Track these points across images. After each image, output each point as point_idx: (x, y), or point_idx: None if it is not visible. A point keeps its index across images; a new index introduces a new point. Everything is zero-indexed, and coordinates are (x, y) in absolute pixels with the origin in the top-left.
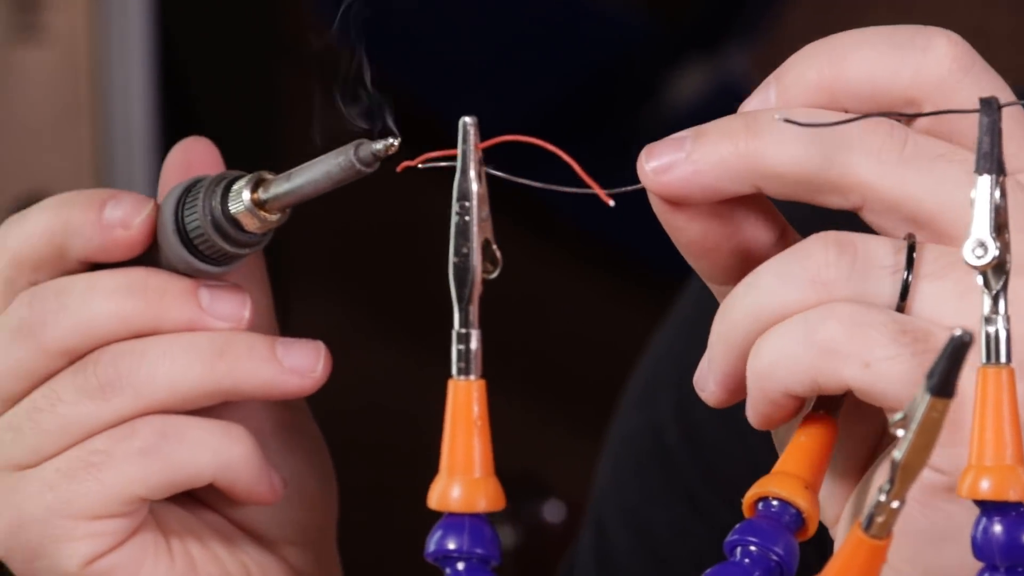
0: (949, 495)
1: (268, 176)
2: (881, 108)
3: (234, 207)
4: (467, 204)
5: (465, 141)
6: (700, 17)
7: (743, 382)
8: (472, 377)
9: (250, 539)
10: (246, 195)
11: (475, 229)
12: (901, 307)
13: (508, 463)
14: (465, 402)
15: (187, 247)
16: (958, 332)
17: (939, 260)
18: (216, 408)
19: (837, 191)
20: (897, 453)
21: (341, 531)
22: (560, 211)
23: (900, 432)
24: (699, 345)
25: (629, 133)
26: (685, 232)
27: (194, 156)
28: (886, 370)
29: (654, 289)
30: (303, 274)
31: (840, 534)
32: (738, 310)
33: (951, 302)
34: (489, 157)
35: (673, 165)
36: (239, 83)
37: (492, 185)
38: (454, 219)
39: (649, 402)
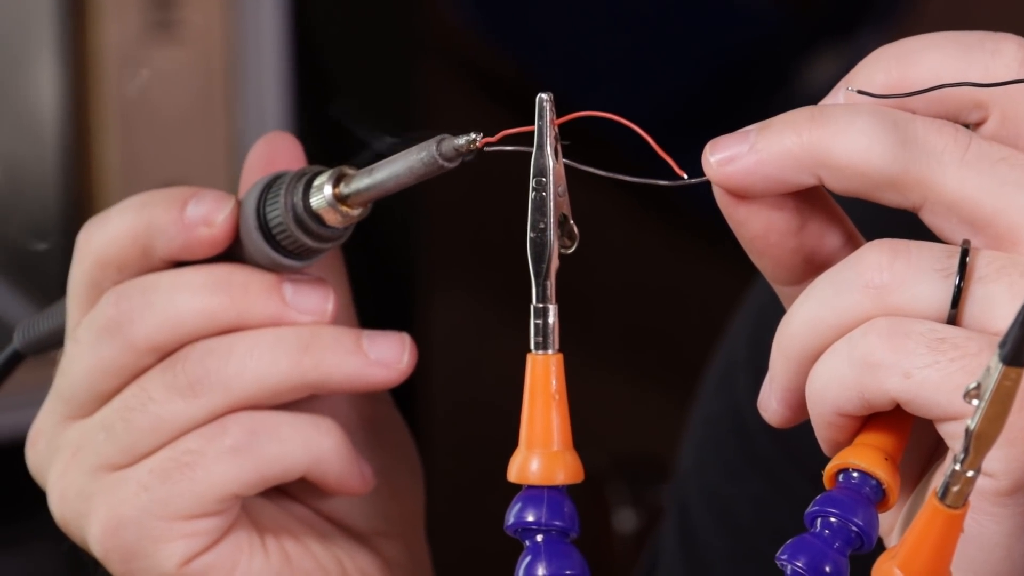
0: (999, 499)
1: (349, 171)
2: (948, 110)
3: (316, 202)
4: (543, 180)
5: (541, 117)
6: (834, 4)
7: (804, 400)
8: (550, 351)
9: (342, 532)
10: (328, 190)
11: (551, 204)
12: (953, 312)
13: (629, 447)
14: (543, 376)
15: (269, 242)
16: None
17: (992, 264)
18: (303, 402)
19: (897, 188)
20: (971, 422)
21: (473, 522)
22: (699, 204)
23: (974, 402)
24: (773, 327)
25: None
26: (747, 226)
27: (277, 152)
28: (926, 378)
29: None
30: (442, 266)
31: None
32: (795, 322)
33: (1004, 304)
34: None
35: (737, 156)
36: (375, 77)
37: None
38: (531, 195)
39: (728, 384)
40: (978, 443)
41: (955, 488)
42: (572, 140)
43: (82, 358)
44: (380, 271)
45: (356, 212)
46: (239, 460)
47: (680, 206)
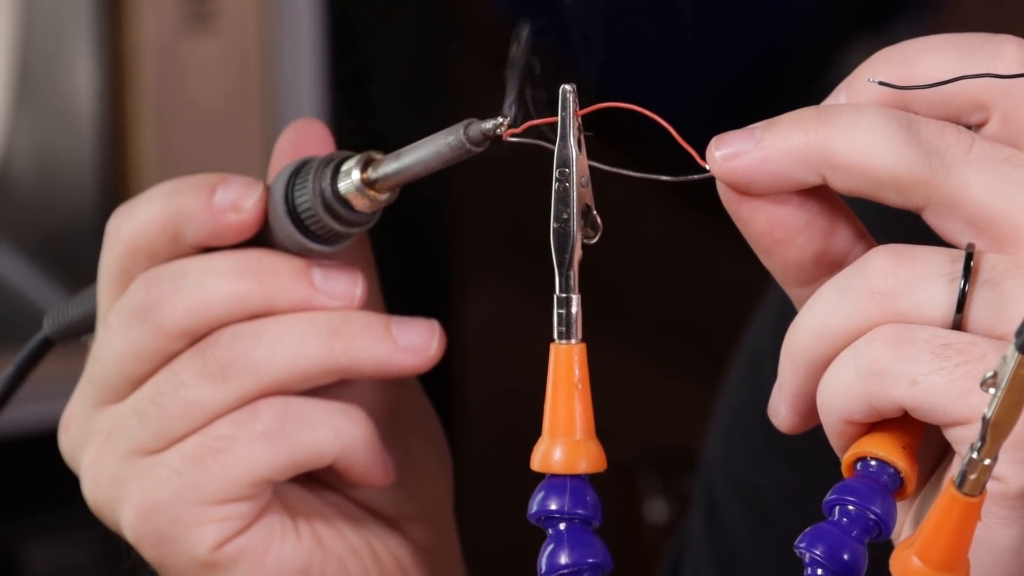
0: (1007, 502)
1: (377, 156)
2: (951, 112)
3: (344, 187)
4: (567, 171)
5: (564, 108)
6: None
7: (814, 406)
8: (573, 341)
9: (372, 517)
10: (356, 175)
11: (575, 195)
12: (958, 317)
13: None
14: (566, 365)
15: (297, 227)
16: None
17: (997, 267)
18: (331, 388)
19: (901, 188)
20: (987, 410)
21: (508, 511)
22: None
23: (991, 391)
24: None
25: None
26: (752, 223)
27: (305, 137)
28: (931, 384)
29: None
30: (477, 257)
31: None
32: (802, 329)
33: (1010, 306)
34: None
35: (742, 152)
36: (411, 68)
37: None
38: (555, 185)
39: (755, 372)
40: (995, 431)
41: (972, 476)
42: (602, 129)
43: (113, 343)
44: (416, 262)
45: (384, 197)
46: (271, 445)
47: (716, 197)
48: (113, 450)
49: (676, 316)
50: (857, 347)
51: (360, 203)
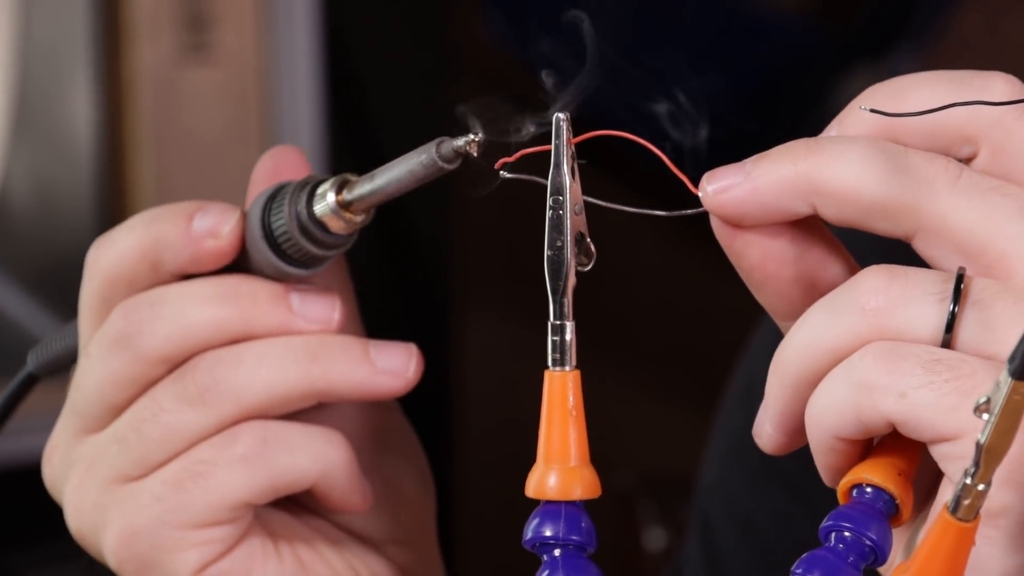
0: (989, 520)
1: (352, 178)
2: (939, 145)
3: (319, 209)
4: (560, 198)
5: (558, 136)
6: (868, 23)
7: (799, 425)
8: (567, 368)
9: (354, 539)
10: (331, 197)
11: (568, 223)
12: (947, 337)
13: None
14: (561, 392)
15: (275, 251)
16: None
17: (987, 289)
18: (312, 411)
19: (890, 215)
20: (981, 436)
21: (507, 539)
22: None
23: (984, 416)
24: None
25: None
26: (745, 257)
27: (282, 164)
28: (920, 398)
29: None
30: (477, 287)
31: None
32: (792, 346)
33: (998, 328)
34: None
35: (733, 185)
36: (409, 98)
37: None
38: (548, 213)
39: (750, 398)
40: (988, 457)
41: (966, 502)
42: (598, 158)
43: (94, 371)
44: (415, 292)
45: (359, 218)
46: (250, 469)
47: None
48: (95, 478)
49: (675, 345)
50: (849, 362)
51: (336, 225)
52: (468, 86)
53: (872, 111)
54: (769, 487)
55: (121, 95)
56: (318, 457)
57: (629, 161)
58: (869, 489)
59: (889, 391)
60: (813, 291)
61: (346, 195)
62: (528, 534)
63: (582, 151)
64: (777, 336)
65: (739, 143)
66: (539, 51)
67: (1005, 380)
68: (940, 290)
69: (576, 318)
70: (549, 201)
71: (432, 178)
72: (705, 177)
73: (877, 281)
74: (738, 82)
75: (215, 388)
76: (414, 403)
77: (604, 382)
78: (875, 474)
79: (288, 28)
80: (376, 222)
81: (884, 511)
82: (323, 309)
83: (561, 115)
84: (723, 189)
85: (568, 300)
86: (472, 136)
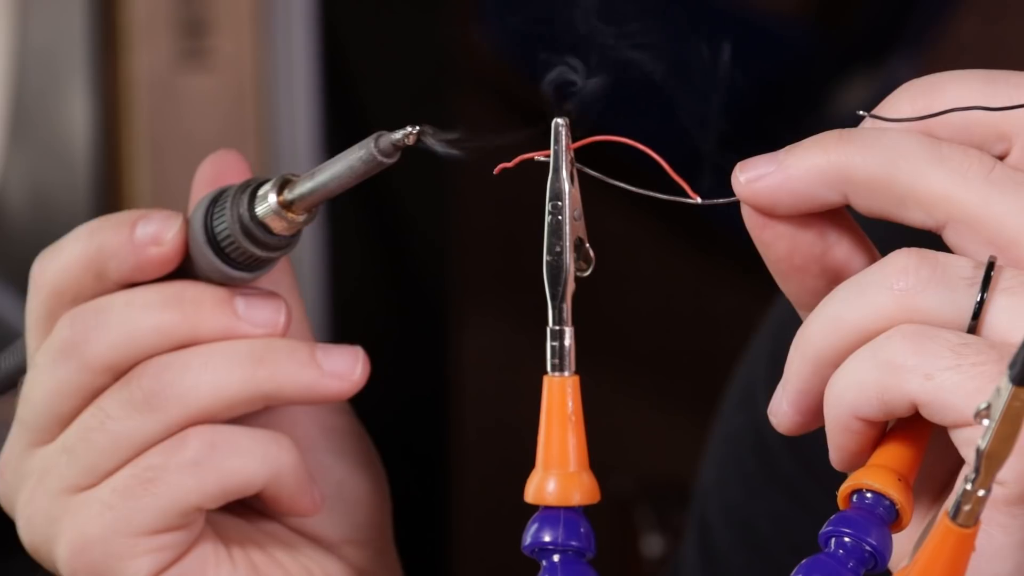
0: (1008, 508)
1: (293, 177)
2: (973, 141)
3: (261, 211)
4: (559, 204)
5: (557, 142)
6: (866, 29)
7: (817, 405)
8: (566, 373)
9: (309, 542)
10: (272, 197)
11: (567, 228)
12: (973, 324)
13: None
14: (560, 398)
15: (218, 255)
16: None
17: (1016, 279)
18: (264, 414)
19: (922, 204)
20: (981, 442)
21: (503, 545)
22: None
23: (985, 422)
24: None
25: None
26: (774, 248)
27: (224, 168)
28: (947, 380)
29: None
30: (474, 292)
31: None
32: (816, 322)
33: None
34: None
35: (765, 174)
36: (406, 104)
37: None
38: (547, 218)
39: (749, 401)
40: (989, 463)
41: (966, 507)
42: (599, 166)
43: (41, 383)
44: (414, 296)
45: (302, 218)
46: (200, 473)
47: (711, 232)
48: (45, 490)
49: (673, 351)
50: (876, 341)
51: (278, 226)
52: (465, 92)
53: (872, 115)
54: (768, 492)
55: (118, 100)
56: (267, 459)
57: (627, 166)
58: (869, 495)
59: (916, 372)
60: (838, 282)
61: (287, 195)
62: (527, 539)
63: (581, 157)
64: (773, 343)
65: (738, 148)
66: (537, 57)
67: (1006, 386)
68: (970, 276)
69: (575, 324)
70: (548, 207)
71: (372, 173)
72: (738, 166)
73: (908, 262)
74: (736, 87)
75: (161, 393)
76: (413, 408)
77: (602, 388)
78: (875, 479)
79: (285, 33)
80: (374, 226)
81: (884, 517)
82: (269, 313)
83: (560, 120)
84: (756, 178)
85: (567, 305)
86: (410, 129)
